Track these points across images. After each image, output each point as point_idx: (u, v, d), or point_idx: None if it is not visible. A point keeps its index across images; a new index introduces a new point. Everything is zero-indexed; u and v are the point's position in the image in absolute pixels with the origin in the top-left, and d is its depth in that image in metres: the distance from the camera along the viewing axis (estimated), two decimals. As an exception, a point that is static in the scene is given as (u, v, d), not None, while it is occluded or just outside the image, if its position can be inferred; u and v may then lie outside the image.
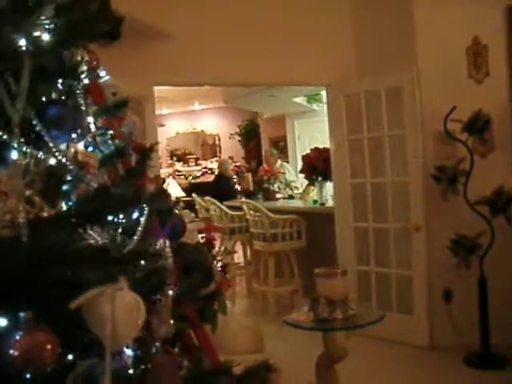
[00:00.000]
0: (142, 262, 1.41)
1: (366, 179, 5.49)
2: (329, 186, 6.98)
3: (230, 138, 15.02)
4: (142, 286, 1.34)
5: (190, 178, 15.87)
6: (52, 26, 1.32)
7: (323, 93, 9.28)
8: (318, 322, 3.54)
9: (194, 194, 9.38)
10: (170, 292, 1.55)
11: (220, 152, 16.03)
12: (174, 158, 16.37)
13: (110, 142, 1.67)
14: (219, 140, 16.08)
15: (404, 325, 5.12)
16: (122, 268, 1.26)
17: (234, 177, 13.45)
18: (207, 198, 8.43)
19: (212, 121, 16.00)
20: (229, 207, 7.93)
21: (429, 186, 5.00)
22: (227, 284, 2.08)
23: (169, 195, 1.95)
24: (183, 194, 10.81)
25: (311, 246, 6.67)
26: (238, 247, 8.00)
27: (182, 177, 15.78)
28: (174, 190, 10.42)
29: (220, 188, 10.25)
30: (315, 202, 7.31)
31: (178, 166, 16.23)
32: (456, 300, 5.05)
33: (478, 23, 4.99)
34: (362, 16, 5.47)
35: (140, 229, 1.50)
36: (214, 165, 15.41)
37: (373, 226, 5.47)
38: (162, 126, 15.18)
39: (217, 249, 2.86)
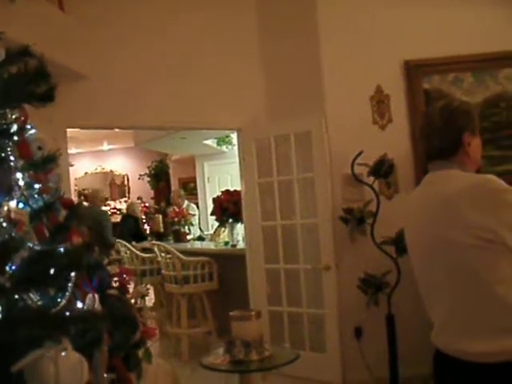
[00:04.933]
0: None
1: (276, 221, 5.61)
2: (240, 228, 7.08)
3: (139, 178, 14.94)
4: (78, 343, 1.36)
5: (99, 218, 15.62)
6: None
7: (233, 135, 9.48)
8: (235, 364, 3.58)
9: (103, 236, 9.27)
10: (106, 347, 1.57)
11: (129, 192, 15.89)
12: (82, 198, 16.10)
13: (37, 196, 1.69)
14: (128, 180, 15.96)
15: (317, 363, 5.20)
16: (64, 328, 1.28)
17: (143, 217, 13.38)
18: (118, 240, 8.37)
19: (121, 161, 15.89)
20: (139, 249, 7.91)
21: (338, 228, 5.17)
22: (152, 332, 2.10)
23: (95, 248, 1.97)
24: (92, 236, 10.66)
25: (223, 288, 6.72)
26: (149, 289, 7.96)
27: (90, 217, 15.50)
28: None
29: (127, 228, 10.22)
30: (226, 243, 7.38)
31: (87, 206, 15.96)
32: (366, 336, 5.21)
33: (379, 74, 5.28)
34: (272, 62, 5.66)
35: (70, 285, 1.52)
36: (123, 205, 15.27)
37: (284, 267, 5.57)
38: (71, 165, 14.95)
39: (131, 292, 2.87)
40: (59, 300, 1.44)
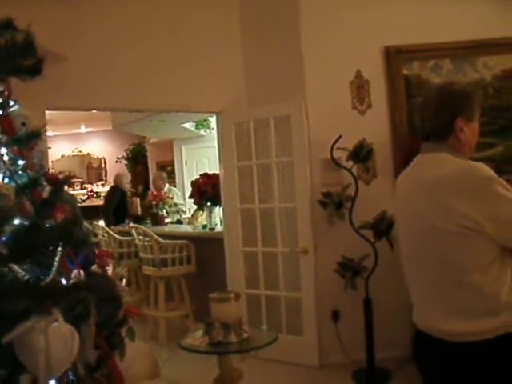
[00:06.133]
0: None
1: (254, 205, 5.63)
2: (218, 211, 7.09)
3: (116, 161, 14.85)
4: (67, 316, 1.36)
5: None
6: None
7: (211, 119, 9.46)
8: (214, 346, 3.61)
9: (80, 219, 9.22)
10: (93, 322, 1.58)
11: (106, 176, 15.80)
12: (58, 181, 15.96)
13: (21, 172, 1.68)
14: (105, 163, 15.87)
15: (294, 346, 5.26)
16: (55, 299, 1.28)
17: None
18: (95, 222, 8.34)
19: (98, 144, 15.77)
20: (117, 232, 7.89)
21: (316, 211, 5.21)
22: (134, 311, 2.11)
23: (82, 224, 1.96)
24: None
25: (201, 271, 6.74)
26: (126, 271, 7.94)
27: (67, 201, 15.37)
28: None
29: (114, 201, 10.03)
30: (204, 226, 7.40)
31: (62, 189, 15.83)
32: (343, 320, 5.27)
33: (360, 59, 5.30)
34: (252, 46, 5.66)
35: (57, 260, 1.51)
36: (100, 188, 15.20)
37: (262, 251, 5.60)
38: (48, 148, 14.80)
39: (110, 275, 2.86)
40: (43, 275, 1.43)
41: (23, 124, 1.84)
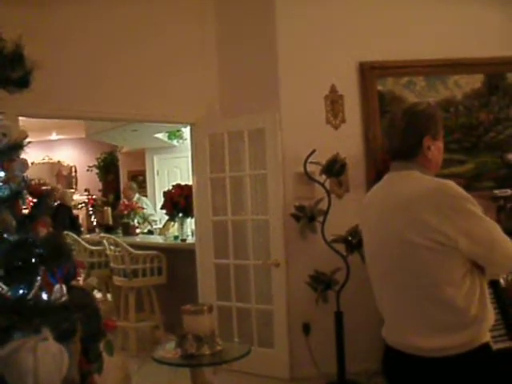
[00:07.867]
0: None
1: (227, 217, 5.63)
2: (190, 223, 7.08)
3: (87, 170, 14.72)
4: (55, 333, 1.34)
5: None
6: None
7: (184, 129, 9.45)
8: (186, 358, 3.60)
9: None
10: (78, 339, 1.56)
11: (76, 184, 15.63)
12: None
13: (1, 184, 1.66)
14: (76, 171, 15.70)
15: (265, 358, 5.25)
16: (43, 318, 1.27)
17: (90, 209, 13.16)
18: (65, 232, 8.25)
19: (69, 152, 15.59)
20: (87, 242, 7.83)
21: (288, 225, 5.23)
22: (112, 324, 2.10)
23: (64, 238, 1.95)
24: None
25: (172, 282, 6.71)
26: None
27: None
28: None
29: (61, 219, 9.87)
30: (176, 237, 7.36)
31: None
32: (314, 333, 5.29)
33: (334, 74, 5.36)
34: (227, 58, 5.69)
35: (40, 275, 1.50)
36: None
37: (234, 263, 5.60)
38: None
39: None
40: (24, 291, 1.42)
41: (4, 135, 1.82)
